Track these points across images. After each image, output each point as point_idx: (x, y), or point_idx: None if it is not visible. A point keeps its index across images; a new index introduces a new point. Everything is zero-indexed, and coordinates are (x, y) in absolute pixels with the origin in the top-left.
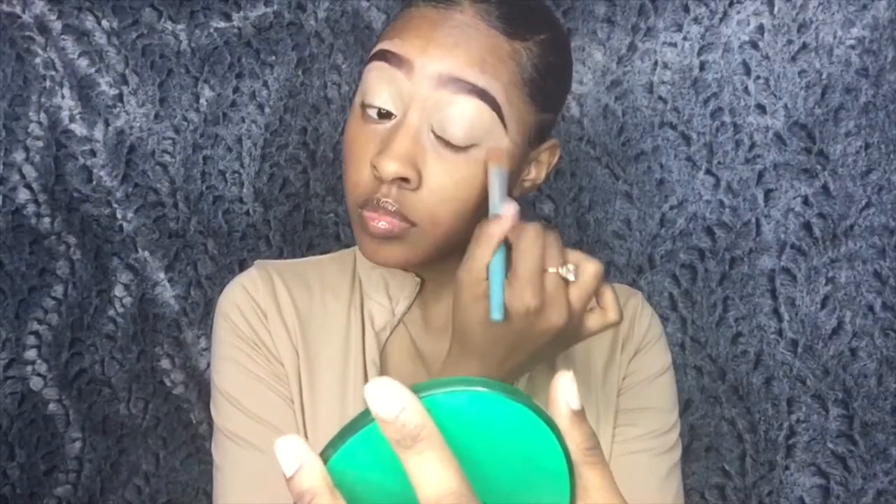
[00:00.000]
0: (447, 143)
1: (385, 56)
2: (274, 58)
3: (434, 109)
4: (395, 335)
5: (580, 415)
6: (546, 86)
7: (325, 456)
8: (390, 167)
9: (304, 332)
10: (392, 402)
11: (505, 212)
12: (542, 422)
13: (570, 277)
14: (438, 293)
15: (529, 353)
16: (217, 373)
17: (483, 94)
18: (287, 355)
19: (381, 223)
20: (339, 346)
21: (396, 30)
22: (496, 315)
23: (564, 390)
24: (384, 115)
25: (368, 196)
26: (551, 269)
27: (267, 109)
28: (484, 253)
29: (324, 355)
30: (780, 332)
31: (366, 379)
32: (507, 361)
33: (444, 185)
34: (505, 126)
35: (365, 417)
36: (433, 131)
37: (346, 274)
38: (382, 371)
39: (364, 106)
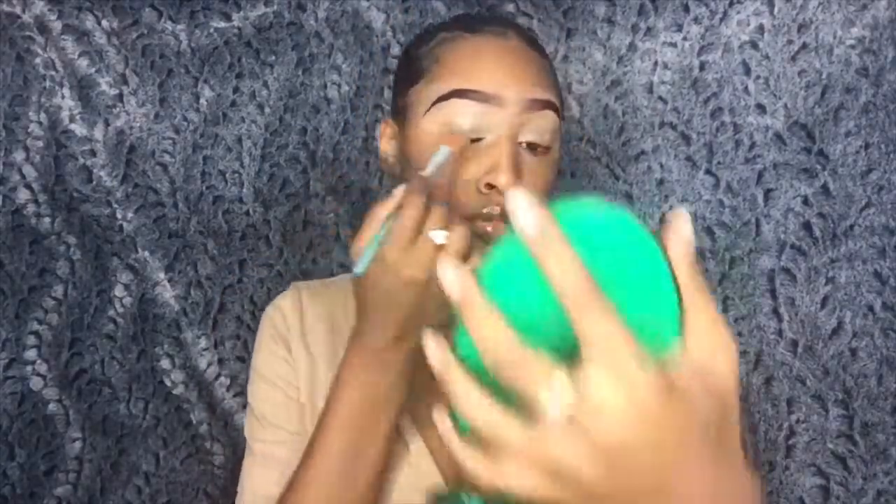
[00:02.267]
0: (536, 150)
1: (468, 95)
2: (274, 58)
3: (522, 127)
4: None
5: (690, 244)
6: (560, 89)
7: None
8: (507, 181)
9: (333, 351)
10: (531, 214)
11: (395, 192)
12: (654, 243)
13: (438, 241)
14: None
15: (400, 310)
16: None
17: (554, 107)
18: (310, 375)
19: (500, 230)
20: None
21: (461, 64)
22: (358, 269)
23: (681, 227)
24: (472, 139)
25: (478, 209)
26: (427, 234)
27: (267, 109)
28: (367, 229)
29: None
30: (779, 332)
31: None
32: (386, 317)
33: (539, 186)
34: (560, 130)
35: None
36: (523, 144)
37: None
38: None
39: (452, 131)
